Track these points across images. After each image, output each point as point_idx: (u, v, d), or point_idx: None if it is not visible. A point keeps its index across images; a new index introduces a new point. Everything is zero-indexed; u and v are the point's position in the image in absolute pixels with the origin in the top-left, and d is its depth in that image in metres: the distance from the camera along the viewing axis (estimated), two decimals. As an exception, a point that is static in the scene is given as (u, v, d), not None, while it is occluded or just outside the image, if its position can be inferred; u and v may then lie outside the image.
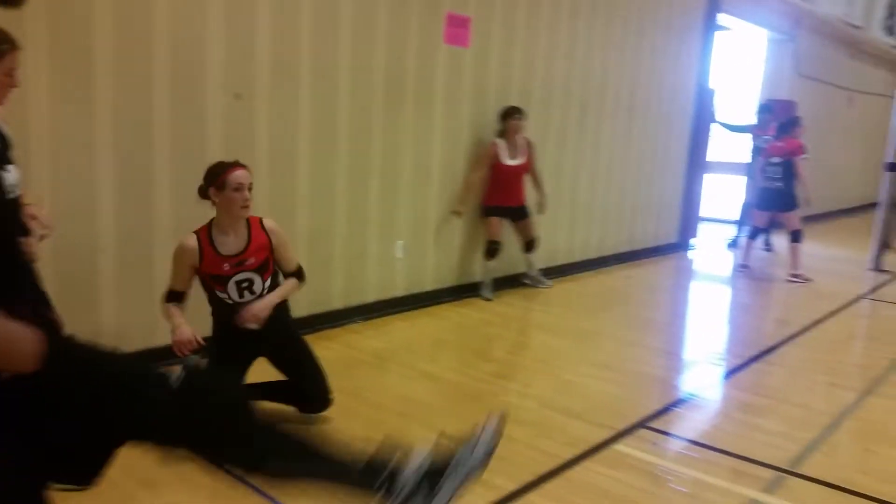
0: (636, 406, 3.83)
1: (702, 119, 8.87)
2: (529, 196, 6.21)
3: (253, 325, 3.18)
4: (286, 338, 3.41)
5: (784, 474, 3.14)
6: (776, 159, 7.41)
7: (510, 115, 5.82)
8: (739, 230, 9.34)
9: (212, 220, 3.20)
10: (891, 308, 6.76)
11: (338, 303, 5.06)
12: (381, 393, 3.85)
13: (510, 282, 6.42)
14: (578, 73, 6.81)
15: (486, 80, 5.88)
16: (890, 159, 8.36)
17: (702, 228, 9.56)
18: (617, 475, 3.06)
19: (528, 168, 6.05)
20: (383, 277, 5.37)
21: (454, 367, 4.42)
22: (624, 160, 7.74)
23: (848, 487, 3.04)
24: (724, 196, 11.28)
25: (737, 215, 9.45)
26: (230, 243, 3.17)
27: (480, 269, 6.11)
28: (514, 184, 6.02)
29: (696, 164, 8.96)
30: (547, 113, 6.57)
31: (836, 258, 8.96)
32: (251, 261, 3.19)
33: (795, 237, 7.40)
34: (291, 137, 4.58)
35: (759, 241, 8.10)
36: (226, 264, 3.15)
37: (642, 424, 3.61)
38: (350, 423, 3.35)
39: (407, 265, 5.54)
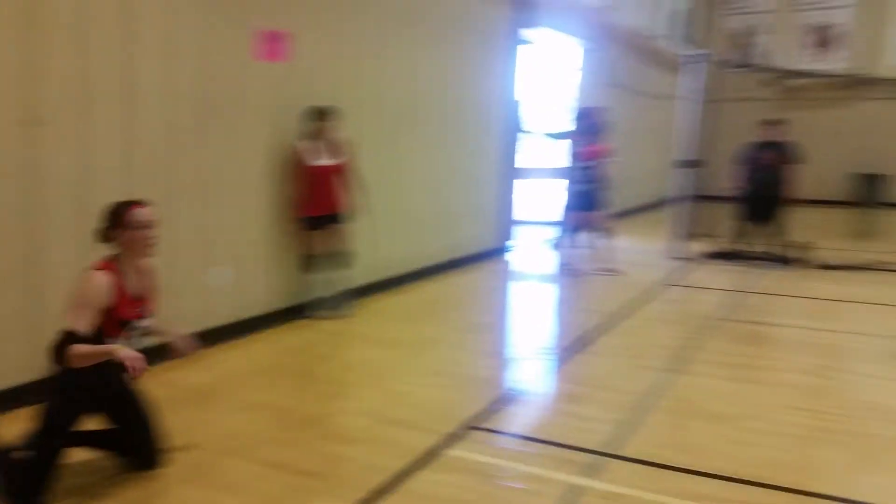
0: (466, 409, 3.92)
1: (512, 127, 9.32)
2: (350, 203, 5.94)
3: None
4: (127, 389, 3.14)
5: (604, 457, 3.35)
6: (586, 163, 7.92)
7: (318, 116, 5.57)
8: (562, 231, 9.90)
9: (113, 258, 2.99)
10: (687, 291, 7.45)
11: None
12: (202, 431, 3.64)
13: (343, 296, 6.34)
14: (390, 81, 6.88)
15: (302, 92, 5.78)
16: (682, 156, 9.26)
17: (519, 232, 10.02)
18: (451, 480, 3.10)
19: (341, 169, 5.74)
20: (203, 306, 5.10)
21: (285, 393, 4.29)
22: (441, 168, 7.93)
23: (662, 463, 3.29)
24: (539, 200, 11.90)
25: (557, 217, 10.01)
26: (134, 285, 3.03)
27: (312, 287, 5.90)
28: (325, 187, 5.67)
29: (508, 170, 9.39)
30: (361, 122, 6.57)
31: (640, 250, 9.75)
32: (150, 305, 3.11)
33: (606, 235, 7.97)
34: (92, 163, 4.22)
35: (576, 240, 8.57)
36: (134, 308, 3.02)
37: (473, 426, 3.70)
38: (166, 469, 3.14)
39: (232, 290, 5.30)
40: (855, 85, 16.26)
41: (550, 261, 9.09)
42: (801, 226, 8.91)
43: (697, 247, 9.31)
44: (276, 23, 5.46)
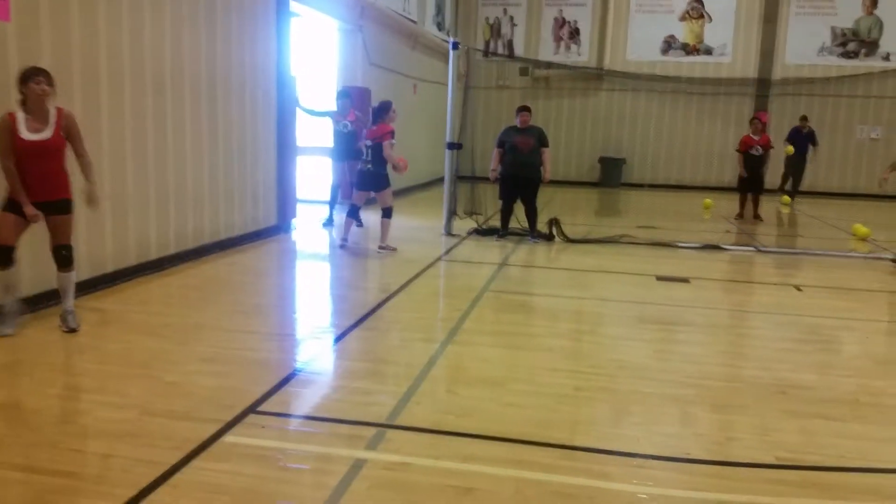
0: (244, 394, 3.76)
1: (287, 104, 9.07)
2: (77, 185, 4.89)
3: None
4: None
5: (384, 428, 3.40)
6: (369, 142, 7.96)
7: (29, 77, 4.46)
8: (331, 209, 9.87)
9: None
10: (460, 266, 7.82)
11: None
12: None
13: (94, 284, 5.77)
14: (148, 52, 6.35)
15: (39, 61, 5.10)
16: (448, 139, 9.64)
17: (299, 210, 9.83)
18: (228, 468, 2.96)
19: (62, 144, 4.65)
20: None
21: (29, 391, 3.80)
22: (211, 144, 7.51)
23: (435, 428, 3.42)
24: (316, 178, 11.77)
25: (327, 196, 9.95)
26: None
27: None
28: (40, 166, 4.56)
29: (286, 147, 9.15)
30: (119, 95, 6.01)
31: (417, 227, 10.04)
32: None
33: (387, 213, 8.09)
34: None
35: (356, 218, 8.57)
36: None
37: (252, 410, 3.56)
38: None
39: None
40: (594, 77, 18.08)
41: (329, 239, 9.04)
42: (553, 204, 9.72)
43: (466, 224, 9.80)
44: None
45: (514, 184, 9.00)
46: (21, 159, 4.51)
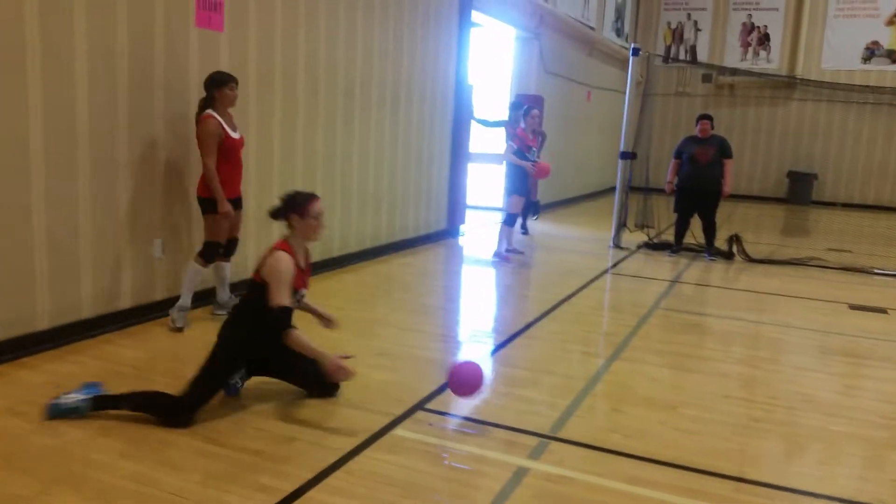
0: (413, 390, 3.92)
1: (463, 112, 9.32)
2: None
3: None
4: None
5: (547, 440, 3.40)
6: (529, 150, 7.99)
7: (226, 82, 4.73)
8: (509, 216, 10.00)
9: (287, 238, 3.58)
10: (628, 280, 7.62)
11: (87, 311, 4.58)
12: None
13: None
14: (341, 61, 6.80)
15: (246, 66, 5.63)
16: (623, 148, 9.42)
17: (469, 215, 10.06)
18: (397, 460, 3.11)
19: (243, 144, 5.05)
20: (140, 281, 4.94)
21: (227, 370, 4.20)
22: (392, 150, 7.89)
23: (601, 446, 3.37)
24: (490, 185, 11.98)
25: (504, 202, 10.10)
26: (302, 262, 3.64)
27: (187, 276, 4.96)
28: (234, 164, 4.92)
29: (459, 154, 9.40)
30: (313, 100, 6.48)
31: (584, 238, 9.91)
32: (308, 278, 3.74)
33: (508, 220, 8.12)
34: (19, 130, 4.03)
35: (521, 225, 8.65)
36: (301, 280, 3.61)
37: (420, 407, 3.71)
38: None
39: (167, 265, 5.15)
40: (784, 85, 16.85)
41: (495, 245, 9.16)
42: (735, 220, 9.19)
43: (637, 237, 9.52)
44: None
45: (691, 196, 8.61)
46: (223, 158, 4.78)
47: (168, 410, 3.34)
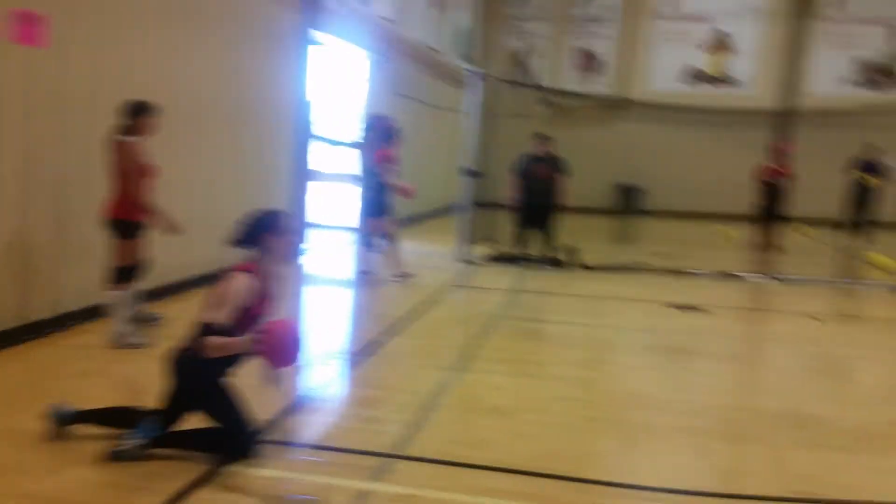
0: (256, 420, 3.75)
1: (303, 130, 9.16)
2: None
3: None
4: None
5: (394, 459, 3.37)
6: (375, 169, 7.86)
7: (149, 111, 4.98)
8: (358, 236, 9.90)
9: (256, 262, 3.31)
10: (475, 292, 7.80)
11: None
12: None
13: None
14: (175, 81, 6.46)
15: (75, 88, 5.22)
16: (467, 167, 9.68)
17: (314, 235, 9.87)
18: (236, 499, 2.94)
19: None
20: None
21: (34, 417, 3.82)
22: (233, 170, 7.59)
23: (446, 459, 3.39)
24: (334, 204, 11.83)
25: (353, 222, 10.01)
26: (269, 287, 3.37)
27: (113, 303, 4.94)
28: (148, 189, 5.08)
29: (301, 173, 9.22)
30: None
31: (430, 253, 10.05)
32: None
33: (390, 240, 7.97)
34: None
35: (371, 245, 8.44)
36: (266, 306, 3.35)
37: (263, 439, 3.54)
38: None
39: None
40: (614, 107, 18.15)
41: (344, 265, 9.05)
42: (570, 231, 9.70)
43: (481, 250, 9.79)
44: (42, 7, 4.89)
45: (531, 210, 9.00)
46: (144, 183, 4.97)
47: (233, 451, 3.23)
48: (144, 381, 4.38)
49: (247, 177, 7.94)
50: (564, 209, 9.15)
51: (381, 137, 8.06)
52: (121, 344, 4.91)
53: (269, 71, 8.23)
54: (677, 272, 9.01)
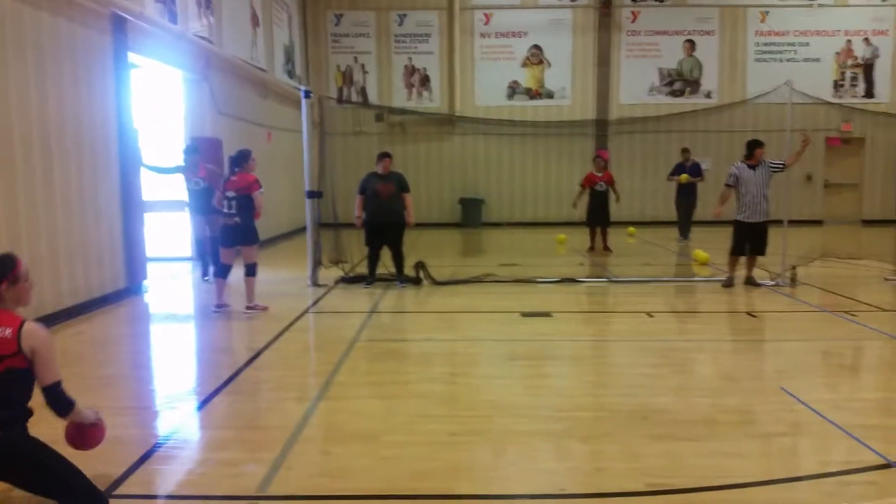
0: (99, 478, 3.42)
1: (130, 159, 8.61)
2: None
3: None
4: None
5: (255, 500, 3.21)
6: (231, 194, 7.42)
7: None
8: (204, 263, 9.39)
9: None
10: (329, 317, 7.66)
11: None
12: None
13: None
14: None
15: None
16: (308, 188, 9.51)
17: (151, 269, 9.28)
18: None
19: None
20: None
21: None
22: (48, 205, 6.96)
23: (310, 494, 3.29)
24: (170, 234, 11.21)
25: (197, 252, 9.54)
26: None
27: None
28: None
29: (132, 204, 8.64)
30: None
31: (281, 280, 9.77)
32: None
33: (251, 270, 7.59)
34: None
35: (220, 276, 7.98)
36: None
37: (111, 494, 3.26)
38: None
39: None
40: (447, 121, 18.66)
41: (190, 299, 8.59)
42: (418, 247, 9.82)
43: (332, 273, 9.65)
44: None
45: (378, 229, 9.00)
46: None
47: None
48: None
49: (68, 212, 7.31)
50: (412, 225, 9.21)
51: (234, 162, 7.61)
52: None
53: (84, 97, 7.65)
54: (523, 281, 9.37)
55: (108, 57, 8.14)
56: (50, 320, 6.79)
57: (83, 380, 5.27)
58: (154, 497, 3.33)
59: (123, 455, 3.76)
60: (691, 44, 18.55)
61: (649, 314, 7.33)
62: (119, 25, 8.29)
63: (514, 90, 18.71)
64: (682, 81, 18.69)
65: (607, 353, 6.20)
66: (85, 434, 3.27)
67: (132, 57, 8.72)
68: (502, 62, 18.64)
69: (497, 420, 4.27)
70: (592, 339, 6.66)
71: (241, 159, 7.61)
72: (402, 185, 9.08)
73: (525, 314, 7.37)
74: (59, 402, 3.05)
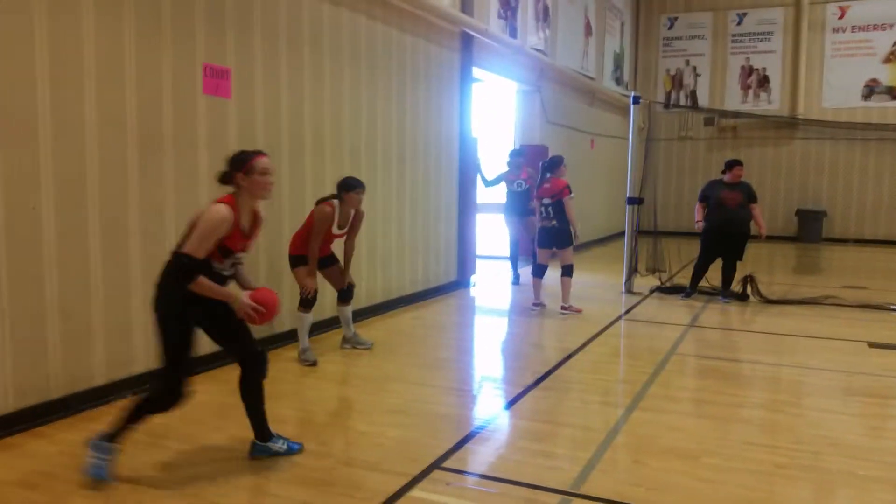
0: (429, 448, 3.85)
1: (468, 165, 9.41)
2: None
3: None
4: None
5: (569, 496, 3.32)
6: (547, 200, 7.78)
7: (353, 188, 5.64)
8: (514, 267, 9.94)
9: (234, 196, 3.41)
10: (643, 326, 7.54)
11: (100, 378, 4.56)
12: (162, 477, 3.50)
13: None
14: (346, 122, 6.90)
15: (253, 131, 5.73)
16: (629, 194, 9.45)
17: (479, 266, 10.05)
18: (416, 524, 3.03)
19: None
20: (153, 344, 4.92)
21: (240, 437, 4.15)
22: (400, 205, 7.95)
23: (625, 501, 3.28)
24: (495, 235, 11.99)
25: (507, 253, 10.10)
26: (246, 223, 3.47)
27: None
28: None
29: (467, 205, 9.45)
30: (320, 162, 6.56)
31: (595, 284, 9.87)
32: (252, 243, 3.58)
33: (567, 272, 7.87)
34: (32, 200, 4.09)
35: (538, 276, 8.37)
36: (241, 242, 3.47)
37: (437, 466, 3.64)
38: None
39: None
40: (787, 125, 16.96)
41: (509, 296, 9.12)
42: (748, 260, 9.14)
43: (648, 281, 9.46)
44: (226, 62, 5.43)
45: (719, 239, 8.53)
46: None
47: (156, 400, 3.45)
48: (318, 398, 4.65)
49: (415, 212, 8.27)
50: (764, 237, 8.68)
51: (545, 168, 7.97)
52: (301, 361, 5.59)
53: (434, 110, 8.56)
54: (873, 307, 8.19)
55: (456, 72, 9.01)
56: (393, 305, 7.76)
57: (422, 359, 5.93)
58: (473, 474, 3.61)
59: (449, 433, 4.15)
60: None
61: None
62: (467, 43, 9.11)
63: (871, 89, 16.36)
64: None
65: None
66: (257, 297, 3.44)
67: (475, 71, 9.52)
68: (858, 58, 16.42)
69: (829, 458, 3.82)
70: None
71: (554, 165, 7.89)
72: (750, 196, 8.54)
73: (873, 345, 6.45)
74: (176, 269, 3.28)
